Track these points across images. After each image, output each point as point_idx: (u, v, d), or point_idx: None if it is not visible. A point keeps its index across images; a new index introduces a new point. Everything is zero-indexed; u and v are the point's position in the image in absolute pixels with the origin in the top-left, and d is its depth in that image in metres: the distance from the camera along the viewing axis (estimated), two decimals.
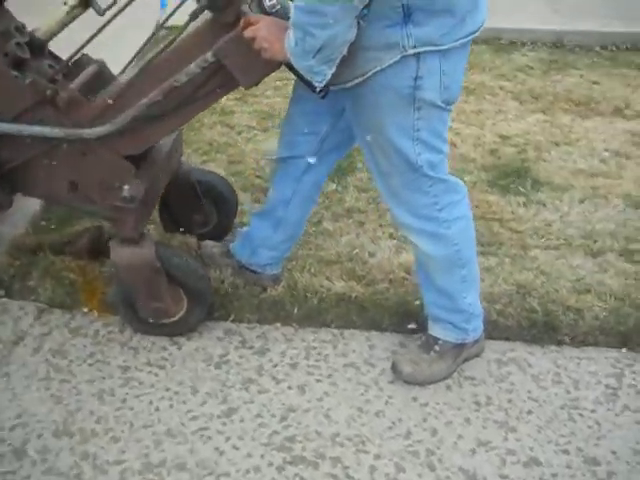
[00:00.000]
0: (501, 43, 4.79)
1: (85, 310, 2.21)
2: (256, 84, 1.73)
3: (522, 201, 2.88)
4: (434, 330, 2.05)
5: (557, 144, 3.39)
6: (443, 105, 1.70)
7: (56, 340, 2.09)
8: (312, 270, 2.40)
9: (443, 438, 1.84)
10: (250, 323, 2.21)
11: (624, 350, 2.17)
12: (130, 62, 2.01)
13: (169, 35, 1.98)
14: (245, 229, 2.32)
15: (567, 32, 4.83)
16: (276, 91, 3.85)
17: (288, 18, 1.58)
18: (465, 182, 2.81)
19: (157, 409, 1.88)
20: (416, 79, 1.63)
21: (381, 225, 2.68)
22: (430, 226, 1.87)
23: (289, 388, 1.97)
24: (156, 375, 1.99)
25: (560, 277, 2.41)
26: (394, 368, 2.02)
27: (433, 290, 1.99)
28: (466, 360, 2.08)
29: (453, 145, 3.31)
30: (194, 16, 1.66)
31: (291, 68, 1.65)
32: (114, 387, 1.95)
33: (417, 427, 1.87)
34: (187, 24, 1.67)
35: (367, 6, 1.49)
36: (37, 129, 1.81)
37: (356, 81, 1.69)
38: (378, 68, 1.63)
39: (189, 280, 2.02)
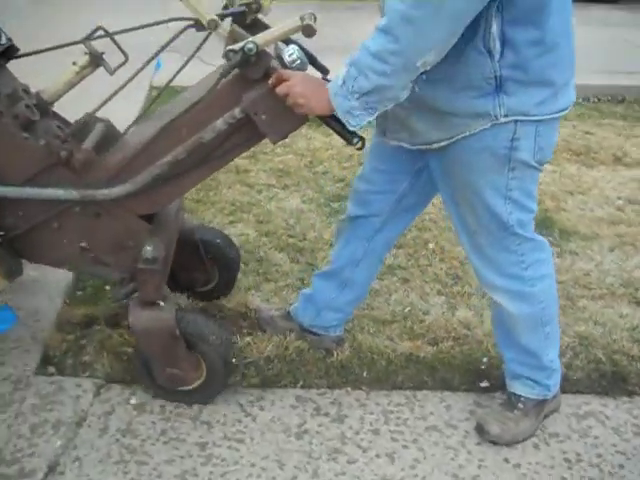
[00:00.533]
0: None
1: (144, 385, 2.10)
2: (284, 139, 1.73)
3: (556, 251, 2.91)
4: (515, 388, 2.02)
5: (571, 193, 3.47)
6: (536, 165, 1.71)
7: (122, 418, 1.97)
8: (371, 330, 2.35)
9: None
10: (319, 389, 2.13)
11: None
12: (135, 122, 1.93)
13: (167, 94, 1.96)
14: (307, 291, 2.26)
15: None
16: (285, 148, 3.84)
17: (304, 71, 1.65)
18: None
19: None
20: (512, 140, 1.64)
21: (426, 281, 2.67)
22: (516, 285, 1.86)
23: (377, 456, 1.90)
24: (237, 450, 1.89)
25: (615, 327, 2.43)
26: (480, 429, 1.98)
27: (516, 348, 1.97)
28: (546, 416, 2.05)
29: None
30: (224, 74, 1.63)
31: (328, 123, 1.65)
32: (196, 466, 1.83)
33: None
34: (218, 82, 1.64)
35: (425, 72, 1.50)
36: (51, 192, 1.76)
37: (443, 143, 1.70)
38: (467, 133, 1.65)
39: (211, 349, 1.93)
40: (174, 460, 1.85)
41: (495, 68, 1.55)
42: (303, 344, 2.23)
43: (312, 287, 2.24)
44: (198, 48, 1.83)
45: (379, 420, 2.03)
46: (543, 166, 1.75)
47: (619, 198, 3.45)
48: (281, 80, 1.61)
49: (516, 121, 1.61)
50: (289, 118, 1.66)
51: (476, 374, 2.19)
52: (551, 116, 1.64)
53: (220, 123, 1.68)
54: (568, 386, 2.16)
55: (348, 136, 1.65)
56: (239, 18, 1.83)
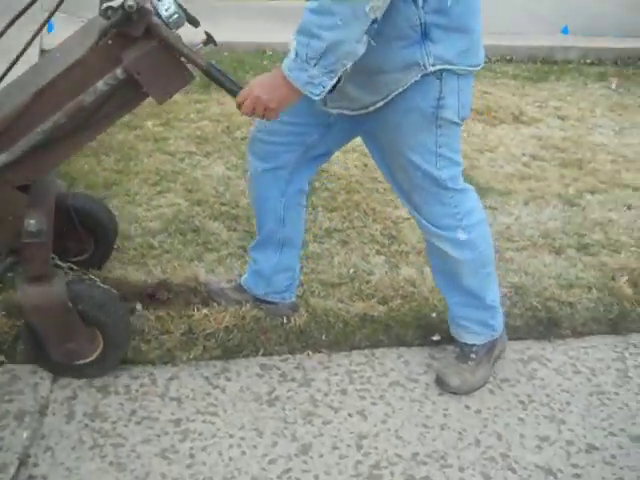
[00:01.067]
0: None
1: None
2: (169, 98, 1.70)
3: None
4: (465, 338, 2.13)
5: (481, 152, 3.65)
6: (459, 122, 1.81)
7: (87, 402, 1.90)
8: (321, 294, 2.39)
9: (509, 440, 1.93)
10: (281, 355, 2.16)
11: (615, 336, 2.40)
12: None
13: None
14: (251, 265, 2.25)
15: None
16: (199, 114, 3.76)
17: (181, 26, 1.64)
18: None
19: (231, 459, 1.78)
20: (439, 99, 1.72)
21: (364, 242, 2.73)
22: (455, 234, 1.95)
23: (350, 415, 1.96)
24: (213, 423, 1.88)
25: (542, 275, 2.61)
26: (440, 382, 2.08)
27: (459, 291, 2.07)
28: (498, 358, 2.18)
29: None
30: (104, 33, 1.58)
31: (212, 78, 1.63)
32: (174, 443, 1.81)
33: (482, 434, 1.94)
34: (98, 41, 1.58)
35: (376, 22, 1.50)
36: None
37: (378, 104, 1.74)
38: (400, 90, 1.70)
39: (107, 321, 1.89)
40: (150, 439, 1.82)
41: (420, 15, 1.59)
42: (260, 313, 2.23)
43: (253, 260, 2.23)
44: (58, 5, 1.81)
45: (344, 380, 2.09)
46: (463, 122, 1.84)
47: (524, 155, 3.66)
48: (240, 104, 1.62)
49: (440, 76, 1.67)
50: (174, 76, 1.64)
51: (427, 329, 2.30)
52: (472, 68, 1.73)
53: (101, 84, 1.61)
54: (510, 333, 2.31)
55: (235, 89, 1.63)
56: None
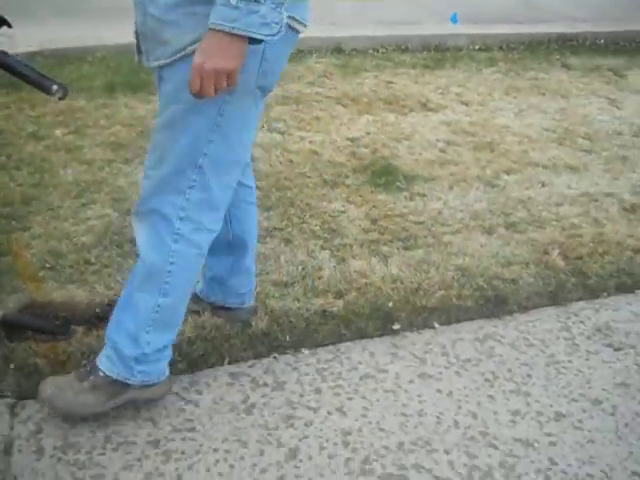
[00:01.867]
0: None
1: None
2: None
3: (406, 195, 3.12)
4: (99, 359, 1.80)
5: (398, 140, 3.72)
6: (258, 92, 1.59)
7: (54, 435, 1.77)
8: (277, 295, 2.35)
9: (484, 418, 1.98)
10: (248, 361, 2.11)
11: (557, 307, 2.53)
12: None
13: None
14: (205, 272, 2.18)
15: (343, 38, 5.24)
16: (110, 119, 3.59)
17: None
18: (349, 185, 3.02)
19: (220, 474, 1.72)
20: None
21: (306, 239, 2.71)
22: (162, 227, 1.67)
23: (329, 413, 1.94)
24: (193, 440, 1.81)
25: (481, 256, 2.70)
26: (39, 391, 1.78)
27: (124, 301, 1.78)
28: (136, 400, 1.84)
29: (314, 153, 3.44)
30: None
31: (20, 75, 1.47)
32: (158, 466, 1.72)
33: (458, 415, 1.98)
34: None
35: None
36: None
37: (192, 47, 1.47)
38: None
39: None
40: (132, 465, 1.72)
41: None
42: (219, 320, 2.17)
43: (207, 267, 2.12)
44: None
45: (316, 379, 2.07)
46: (265, 96, 1.64)
47: (438, 141, 3.77)
48: (198, 84, 1.41)
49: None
50: None
51: (386, 319, 2.32)
52: (302, 21, 1.58)
53: None
54: (463, 314, 2.39)
55: (46, 84, 1.47)
56: None
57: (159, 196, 1.65)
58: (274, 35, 1.39)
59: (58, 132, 3.36)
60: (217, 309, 2.18)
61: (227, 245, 2.05)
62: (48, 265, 2.38)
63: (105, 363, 1.78)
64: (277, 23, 1.39)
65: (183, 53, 1.50)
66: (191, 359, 2.06)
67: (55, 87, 1.45)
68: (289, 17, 1.49)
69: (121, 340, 1.76)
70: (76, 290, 2.27)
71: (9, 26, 1.54)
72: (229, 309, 2.18)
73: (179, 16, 1.48)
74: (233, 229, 2.04)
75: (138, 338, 1.75)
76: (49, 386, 1.77)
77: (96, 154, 3.20)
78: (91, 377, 1.78)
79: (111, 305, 2.11)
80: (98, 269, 2.40)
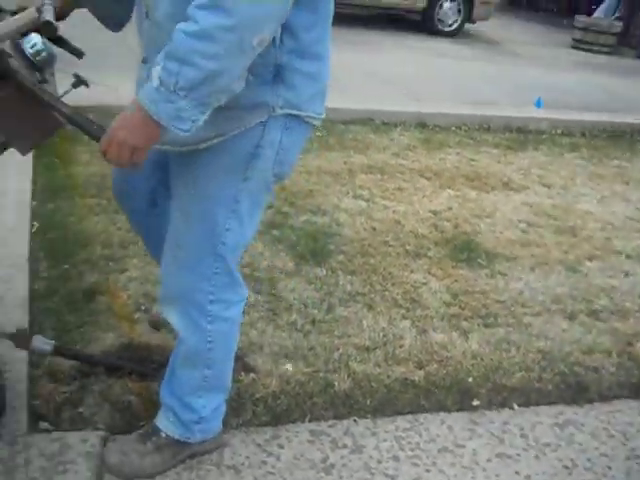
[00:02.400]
0: (375, 124, 5.17)
1: None
2: (33, 149, 1.59)
3: (487, 273, 3.15)
4: (160, 420, 1.88)
5: (479, 217, 3.77)
6: (273, 179, 1.65)
7: None
8: (358, 358, 2.40)
9: None
10: (328, 420, 2.15)
11: (639, 400, 2.49)
12: None
13: None
14: None
15: (427, 114, 5.38)
16: None
17: (52, 66, 1.54)
18: (431, 257, 3.05)
19: None
20: (257, 147, 1.56)
21: (388, 307, 2.77)
22: (194, 313, 1.72)
23: None
24: None
25: (563, 341, 2.69)
26: (104, 457, 1.84)
27: (172, 376, 1.85)
28: (194, 456, 1.91)
29: (398, 223, 3.53)
30: None
31: (72, 121, 1.49)
32: None
33: None
34: None
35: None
36: None
37: (210, 142, 1.54)
38: (241, 129, 1.53)
39: None
40: None
41: (276, 55, 1.48)
42: (303, 377, 2.23)
43: None
44: None
45: (394, 447, 2.08)
46: (276, 184, 1.70)
47: (519, 221, 3.80)
48: (105, 152, 1.43)
49: (264, 125, 1.54)
50: (36, 125, 1.51)
51: (465, 393, 2.33)
52: (317, 116, 1.62)
53: None
54: (543, 398, 2.37)
55: (100, 132, 1.48)
56: None
57: (185, 283, 1.69)
58: (186, 131, 1.38)
59: None
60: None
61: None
62: (143, 307, 2.50)
63: (166, 425, 1.86)
64: (193, 121, 1.37)
65: (202, 146, 1.55)
66: (274, 413, 2.11)
67: None
68: (307, 116, 1.59)
69: (177, 407, 1.83)
70: (168, 334, 2.37)
71: (86, 85, 1.59)
72: None
73: None
74: None
75: (191, 404, 1.82)
76: (113, 453, 1.84)
77: None
78: (154, 438, 1.85)
79: None
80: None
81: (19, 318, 2.35)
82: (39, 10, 1.40)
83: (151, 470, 1.83)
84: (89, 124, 1.48)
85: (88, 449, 1.87)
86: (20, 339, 1.94)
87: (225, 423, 2.04)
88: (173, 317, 1.75)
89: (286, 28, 1.45)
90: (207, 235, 1.63)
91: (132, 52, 1.79)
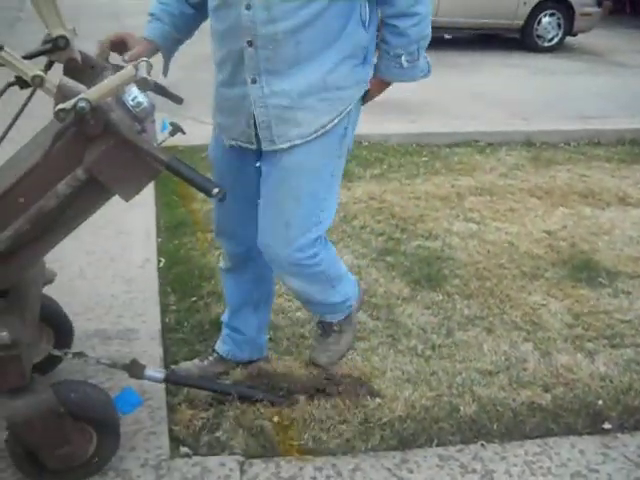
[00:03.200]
0: (480, 145, 5.14)
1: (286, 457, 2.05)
2: (136, 194, 1.63)
3: (610, 292, 3.06)
4: (324, 317, 2.30)
5: (596, 235, 3.66)
6: (348, 153, 2.01)
7: None
8: (482, 382, 2.39)
9: None
10: (456, 445, 2.15)
11: None
12: None
13: None
14: (230, 335, 2.36)
15: (533, 132, 5.29)
16: None
17: (152, 115, 1.65)
18: (548, 278, 2.98)
19: None
20: (346, 127, 1.92)
21: (508, 330, 2.74)
22: (307, 271, 2.03)
23: None
24: None
25: None
26: (314, 362, 2.36)
27: (314, 305, 2.26)
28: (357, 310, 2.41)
29: (511, 244, 3.48)
30: (58, 137, 1.54)
31: (182, 176, 1.60)
32: None
33: None
34: (53, 146, 1.55)
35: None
36: None
37: (334, 122, 1.87)
38: (351, 106, 1.89)
39: (96, 413, 1.84)
40: None
41: (366, 38, 1.86)
42: (428, 402, 2.25)
43: (232, 330, 2.34)
44: (23, 107, 1.77)
45: (525, 471, 2.05)
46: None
47: None
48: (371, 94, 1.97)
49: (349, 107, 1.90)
50: (137, 173, 1.59)
51: (596, 416, 2.27)
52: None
53: (62, 188, 1.56)
54: None
55: (209, 185, 1.59)
56: (70, 64, 1.72)
57: (294, 253, 1.97)
58: (426, 76, 1.94)
59: None
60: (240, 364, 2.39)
61: (253, 304, 2.32)
62: (268, 336, 2.60)
63: (332, 316, 2.28)
64: (428, 69, 1.93)
65: (321, 131, 1.87)
66: (401, 437, 2.14)
67: (216, 190, 1.59)
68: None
69: (327, 309, 2.26)
70: (293, 362, 2.45)
71: (183, 132, 1.72)
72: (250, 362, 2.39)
73: (313, 102, 1.82)
74: (261, 289, 2.32)
75: (336, 302, 2.22)
76: (320, 355, 2.36)
77: None
78: (334, 327, 2.30)
79: (329, 379, 2.27)
80: (311, 343, 2.58)
81: (153, 349, 2.51)
82: (136, 67, 1.53)
83: (348, 344, 2.36)
84: (192, 173, 1.60)
85: (227, 473, 1.97)
86: (134, 369, 2.04)
87: (353, 447, 2.10)
88: (292, 283, 2.09)
89: (372, 18, 1.86)
90: (312, 209, 1.94)
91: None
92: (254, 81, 1.81)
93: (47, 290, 2.15)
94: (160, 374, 2.07)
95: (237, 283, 2.29)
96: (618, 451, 2.15)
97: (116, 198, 1.69)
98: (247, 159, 1.99)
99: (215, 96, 1.97)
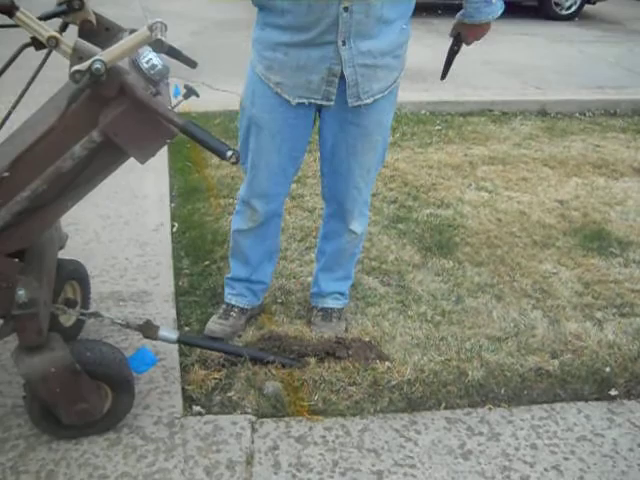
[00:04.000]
0: (494, 114, 5.10)
1: (296, 417, 2.09)
2: (152, 157, 1.64)
3: (620, 262, 3.06)
4: (328, 303, 2.51)
5: (609, 205, 3.65)
6: None
7: (289, 452, 1.96)
8: (491, 348, 2.42)
9: None
10: (463, 408, 2.18)
11: None
12: None
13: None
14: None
15: (549, 102, 5.25)
16: None
17: (167, 78, 1.69)
18: (559, 247, 2.98)
19: None
20: (398, 84, 2.19)
21: (517, 297, 2.76)
22: (366, 210, 2.42)
23: (546, 470, 1.96)
24: (414, 476, 1.91)
25: None
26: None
27: (344, 268, 2.49)
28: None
29: (523, 213, 3.48)
30: (73, 98, 1.53)
31: (197, 139, 1.61)
32: None
33: None
34: (68, 107, 1.54)
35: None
36: None
37: (395, 84, 2.14)
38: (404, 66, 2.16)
39: (112, 372, 1.89)
40: None
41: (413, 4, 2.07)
42: (437, 366, 2.28)
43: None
44: (39, 68, 1.79)
45: (531, 435, 2.09)
46: None
47: None
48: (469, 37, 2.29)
49: None
50: (152, 135, 1.60)
51: (603, 383, 2.29)
52: None
53: (78, 149, 1.57)
54: None
55: (223, 148, 1.60)
56: (85, 26, 1.74)
57: (368, 195, 2.36)
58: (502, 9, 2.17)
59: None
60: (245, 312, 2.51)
61: (269, 257, 2.51)
62: (279, 300, 2.63)
63: (335, 303, 2.51)
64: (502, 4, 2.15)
65: (393, 86, 2.13)
66: (410, 399, 2.17)
67: (230, 153, 1.60)
68: None
69: (347, 289, 2.56)
70: (304, 325, 2.49)
71: (197, 95, 1.78)
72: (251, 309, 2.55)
73: (389, 59, 2.06)
74: (276, 241, 2.52)
75: (352, 274, 2.57)
76: (325, 328, 2.49)
77: (316, 202, 3.48)
78: (334, 314, 2.49)
79: (339, 342, 2.31)
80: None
81: (167, 311, 2.55)
82: (151, 28, 1.52)
83: (343, 327, 2.49)
84: (207, 136, 1.61)
85: (238, 431, 2.02)
86: (148, 329, 2.07)
87: (362, 409, 2.14)
88: (356, 225, 2.36)
89: None
90: (380, 156, 2.28)
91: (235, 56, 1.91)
92: (344, 43, 1.96)
93: (64, 253, 2.19)
94: (174, 335, 2.11)
95: (262, 240, 2.38)
96: (624, 417, 2.18)
97: (130, 163, 1.71)
98: (306, 117, 2.13)
99: (277, 58, 2.03)
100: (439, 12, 8.57)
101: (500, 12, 2.16)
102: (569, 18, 8.95)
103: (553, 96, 5.35)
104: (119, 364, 1.92)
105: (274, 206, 2.30)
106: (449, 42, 2.31)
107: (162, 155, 2.63)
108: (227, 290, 2.50)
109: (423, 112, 5.02)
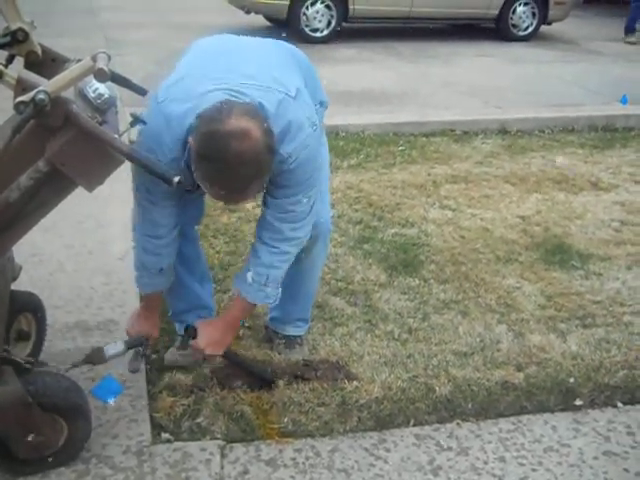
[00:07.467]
0: (456, 134, 5.19)
1: (266, 441, 2.09)
2: (99, 185, 1.65)
3: (582, 274, 3.13)
4: (291, 331, 2.49)
5: (569, 219, 3.73)
6: None
7: (259, 476, 1.95)
8: (457, 364, 2.45)
9: None
10: (431, 424, 2.20)
11: None
12: None
13: None
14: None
15: (508, 120, 5.36)
16: None
17: (115, 106, 1.70)
18: (522, 262, 3.05)
19: None
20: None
21: (482, 312, 2.80)
22: (326, 238, 2.40)
23: None
24: None
25: None
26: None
27: (304, 296, 2.45)
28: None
29: (486, 230, 3.55)
30: (18, 129, 1.53)
31: (139, 164, 1.65)
32: None
33: None
34: (12, 138, 1.54)
35: None
36: None
37: None
38: None
39: (58, 400, 1.85)
40: None
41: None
42: (404, 384, 2.31)
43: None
44: None
45: (499, 448, 2.11)
46: None
47: (612, 220, 3.73)
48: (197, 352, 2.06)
49: None
50: (100, 163, 1.61)
51: (568, 394, 2.34)
52: None
53: (24, 180, 1.57)
54: None
55: (169, 174, 1.63)
56: (31, 57, 1.75)
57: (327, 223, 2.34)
58: (271, 303, 2.14)
59: (249, 205, 3.71)
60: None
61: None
62: (246, 324, 2.64)
63: (297, 330, 2.49)
64: (274, 296, 2.06)
65: None
66: (379, 418, 2.19)
67: (176, 179, 1.63)
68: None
69: (308, 313, 2.54)
70: (271, 349, 2.49)
71: (144, 123, 1.73)
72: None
73: None
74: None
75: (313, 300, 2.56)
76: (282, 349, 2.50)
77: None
78: (298, 340, 2.49)
79: (307, 365, 2.32)
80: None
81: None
82: (94, 59, 1.53)
83: (305, 353, 2.47)
84: (146, 159, 1.63)
85: (207, 457, 2.01)
86: (95, 357, 2.02)
87: (332, 429, 2.14)
88: (316, 242, 2.26)
89: None
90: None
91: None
92: None
93: (27, 284, 2.17)
94: (120, 345, 2.04)
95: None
96: (589, 426, 2.22)
97: (95, 192, 1.71)
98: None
99: None
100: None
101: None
102: (526, 39, 9.16)
103: (513, 115, 5.46)
104: (65, 392, 1.87)
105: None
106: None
107: (126, 182, 2.62)
108: (177, 325, 2.49)
109: (386, 133, 5.09)
